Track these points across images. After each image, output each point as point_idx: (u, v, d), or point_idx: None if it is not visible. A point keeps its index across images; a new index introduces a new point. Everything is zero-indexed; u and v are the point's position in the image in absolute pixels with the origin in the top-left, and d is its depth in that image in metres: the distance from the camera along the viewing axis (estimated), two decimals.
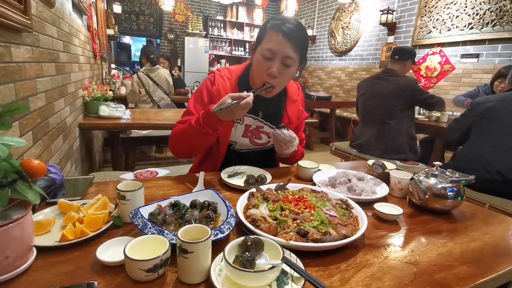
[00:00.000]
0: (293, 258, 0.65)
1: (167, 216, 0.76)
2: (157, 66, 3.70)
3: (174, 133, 1.20)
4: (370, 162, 1.26)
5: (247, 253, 0.60)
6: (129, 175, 1.50)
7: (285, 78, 1.14)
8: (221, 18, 7.99)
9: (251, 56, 1.20)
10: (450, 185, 0.93)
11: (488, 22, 3.63)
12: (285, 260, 0.61)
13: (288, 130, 1.16)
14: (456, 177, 0.95)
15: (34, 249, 0.63)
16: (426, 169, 1.02)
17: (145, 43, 10.20)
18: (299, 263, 0.63)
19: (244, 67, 1.29)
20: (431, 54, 4.31)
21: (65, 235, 0.67)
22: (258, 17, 6.88)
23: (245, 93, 1.00)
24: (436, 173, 0.98)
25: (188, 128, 1.10)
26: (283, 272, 0.61)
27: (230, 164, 1.26)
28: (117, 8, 5.63)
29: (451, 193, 0.93)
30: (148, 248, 0.61)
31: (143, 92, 3.56)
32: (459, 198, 0.94)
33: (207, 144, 1.20)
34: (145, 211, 0.74)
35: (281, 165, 1.47)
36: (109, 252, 0.64)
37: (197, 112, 1.16)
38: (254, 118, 1.27)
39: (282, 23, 1.07)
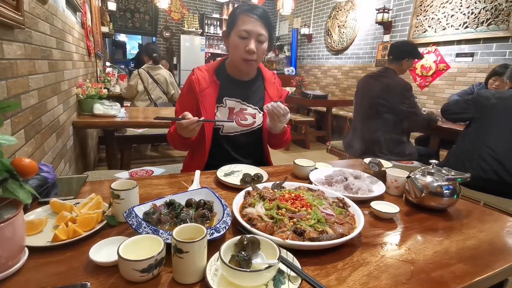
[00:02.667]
0: (290, 257, 0.64)
1: (162, 215, 0.75)
2: (159, 65, 3.68)
3: (168, 133, 1.35)
4: (367, 160, 1.26)
5: (243, 253, 0.59)
6: (124, 174, 1.48)
7: (260, 53, 1.27)
8: (217, 16, 7.97)
9: (225, 41, 1.34)
10: (446, 183, 0.93)
11: (483, 21, 3.65)
12: (281, 259, 0.60)
13: (282, 104, 1.23)
14: (452, 175, 0.95)
15: (26, 249, 0.62)
16: (423, 167, 1.02)
17: (140, 41, 10.15)
18: (296, 262, 0.63)
19: (220, 60, 1.43)
20: (427, 53, 4.33)
21: (57, 235, 0.66)
22: None
23: (193, 118, 1.11)
24: (432, 171, 0.98)
25: (174, 132, 1.27)
26: (280, 271, 0.61)
27: (221, 150, 1.35)
28: (111, 6, 5.57)
29: (447, 191, 0.93)
30: (142, 248, 0.60)
31: (141, 88, 3.53)
32: (455, 196, 0.94)
33: (193, 141, 1.32)
34: (140, 211, 0.73)
35: (277, 163, 1.46)
36: (103, 252, 0.63)
37: (180, 107, 1.34)
38: (235, 101, 1.35)
39: (251, 8, 1.23)
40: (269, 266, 0.56)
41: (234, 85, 1.36)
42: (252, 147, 1.42)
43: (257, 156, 1.45)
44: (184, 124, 1.11)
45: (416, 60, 2.46)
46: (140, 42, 10.21)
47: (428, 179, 0.96)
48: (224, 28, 7.70)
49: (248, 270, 0.56)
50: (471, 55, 3.84)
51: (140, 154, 3.98)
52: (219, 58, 1.44)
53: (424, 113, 2.62)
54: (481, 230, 0.87)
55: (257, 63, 1.32)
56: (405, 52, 2.36)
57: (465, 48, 3.91)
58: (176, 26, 7.70)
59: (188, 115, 1.12)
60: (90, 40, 3.19)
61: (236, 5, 1.33)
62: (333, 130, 5.25)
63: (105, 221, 0.75)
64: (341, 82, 6.24)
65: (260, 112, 1.39)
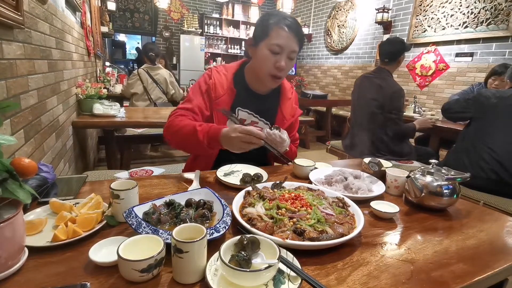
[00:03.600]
0: (290, 257, 0.64)
1: (162, 215, 0.74)
2: (159, 65, 3.68)
3: (175, 125, 1.16)
4: (366, 160, 1.26)
5: (243, 252, 0.59)
6: (124, 174, 1.48)
7: (288, 69, 1.21)
8: (217, 16, 7.96)
9: (251, 51, 1.23)
10: (446, 183, 0.93)
11: (483, 21, 3.65)
12: (281, 259, 0.60)
13: (280, 131, 1.17)
14: (452, 175, 0.95)
15: (26, 249, 0.62)
16: (422, 167, 1.02)
17: (139, 41, 10.15)
18: (296, 262, 0.63)
19: (239, 64, 1.34)
20: (426, 52, 4.34)
21: (57, 235, 0.66)
22: (254, 15, 6.88)
23: (261, 133, 0.99)
24: (432, 171, 0.98)
25: (190, 132, 1.10)
26: (280, 271, 0.60)
27: (225, 159, 1.28)
28: (111, 5, 5.56)
29: (446, 191, 0.93)
30: (142, 248, 0.60)
31: (140, 89, 3.53)
32: (455, 196, 0.94)
33: (202, 152, 1.23)
34: (140, 210, 0.73)
35: (277, 163, 1.46)
36: (102, 252, 0.63)
37: (197, 102, 1.23)
38: (248, 113, 1.30)
39: (285, 18, 1.15)
40: (269, 266, 0.56)
41: (250, 96, 1.29)
42: (258, 157, 1.37)
43: (261, 163, 1.40)
44: (255, 133, 0.97)
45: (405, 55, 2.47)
46: (140, 42, 10.22)
47: (428, 178, 0.96)
48: (223, 27, 7.70)
49: (248, 270, 0.56)
50: (471, 54, 3.84)
51: (140, 154, 3.98)
52: (237, 61, 1.36)
53: (419, 116, 2.61)
54: (481, 229, 0.87)
55: (282, 79, 1.27)
56: (398, 51, 2.35)
57: (465, 48, 3.91)
58: (175, 26, 7.69)
59: (254, 129, 0.99)
60: (90, 40, 3.19)
61: (266, 12, 1.25)
62: (332, 130, 5.25)
63: (104, 221, 0.74)
64: (340, 82, 6.24)
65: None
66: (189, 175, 1.09)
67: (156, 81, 3.58)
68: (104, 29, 4.64)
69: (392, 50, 2.34)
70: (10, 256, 0.56)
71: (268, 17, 1.17)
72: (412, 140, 3.39)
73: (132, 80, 3.53)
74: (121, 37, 9.31)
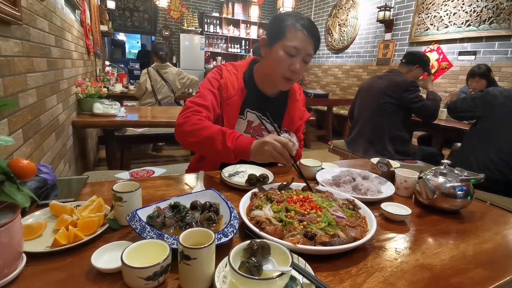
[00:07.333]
0: (301, 262, 0.61)
1: (166, 219, 0.71)
2: (168, 63, 3.65)
3: (194, 123, 1.08)
4: (374, 160, 1.23)
5: (253, 259, 0.56)
6: (124, 174, 1.45)
7: (302, 73, 1.17)
8: (217, 15, 7.92)
9: (264, 51, 1.19)
10: (460, 184, 0.90)
11: (485, 19, 3.63)
12: (294, 266, 0.57)
13: (289, 135, 1.13)
14: (466, 176, 0.92)
15: (24, 256, 0.59)
16: (434, 168, 0.99)
17: (139, 40, 10.11)
18: (308, 268, 0.60)
19: (248, 63, 1.30)
20: (429, 51, 4.30)
21: (57, 240, 0.63)
22: (254, 14, 6.83)
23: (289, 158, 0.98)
24: (445, 171, 0.95)
25: (214, 135, 1.04)
26: (292, 278, 0.57)
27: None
28: (110, 4, 5.53)
29: (460, 193, 0.90)
30: (147, 253, 0.57)
31: (149, 87, 3.50)
32: (469, 198, 0.91)
33: (219, 157, 1.14)
34: (143, 214, 0.69)
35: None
36: (105, 258, 0.60)
37: (209, 96, 1.18)
38: (256, 114, 1.27)
39: (302, 19, 1.11)
40: (282, 274, 0.52)
41: (259, 98, 1.26)
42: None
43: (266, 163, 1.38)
44: (289, 149, 0.97)
45: (424, 73, 2.48)
46: (139, 41, 10.18)
47: (441, 179, 0.93)
48: (223, 26, 7.65)
49: (260, 278, 0.53)
50: (474, 53, 3.81)
51: (141, 154, 3.95)
52: (246, 59, 1.32)
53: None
54: (496, 232, 0.84)
55: (295, 82, 1.24)
56: (419, 58, 2.41)
57: (468, 46, 3.88)
58: (175, 25, 7.65)
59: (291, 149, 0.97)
60: (89, 39, 3.15)
61: (283, 12, 1.22)
62: (333, 129, 5.22)
63: (107, 225, 0.71)
64: (341, 81, 6.21)
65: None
66: (192, 177, 1.06)
67: (166, 79, 3.56)
68: (104, 28, 4.61)
69: (413, 52, 2.46)
70: (6, 264, 0.53)
71: (285, 18, 1.12)
72: (415, 140, 3.37)
73: (142, 79, 3.52)
74: (121, 36, 9.28)
